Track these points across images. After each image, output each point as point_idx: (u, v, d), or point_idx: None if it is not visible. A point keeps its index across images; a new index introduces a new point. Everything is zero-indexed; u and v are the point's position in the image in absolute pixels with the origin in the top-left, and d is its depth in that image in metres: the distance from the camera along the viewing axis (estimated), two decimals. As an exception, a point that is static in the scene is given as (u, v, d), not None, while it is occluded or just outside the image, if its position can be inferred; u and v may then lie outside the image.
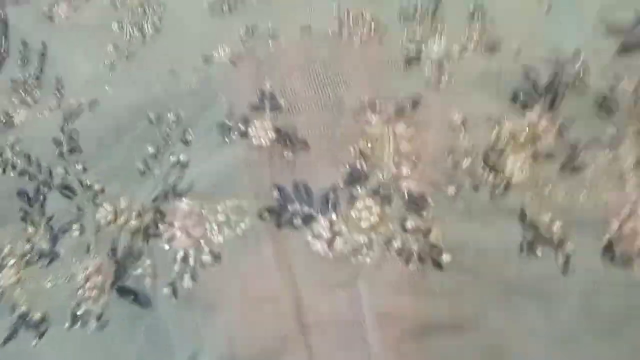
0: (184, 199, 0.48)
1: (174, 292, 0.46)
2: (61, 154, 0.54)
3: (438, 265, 0.44)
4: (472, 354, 0.43)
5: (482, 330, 0.43)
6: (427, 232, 0.45)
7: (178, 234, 0.47)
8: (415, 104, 0.48)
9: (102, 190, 0.52)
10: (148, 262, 0.48)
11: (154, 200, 0.50)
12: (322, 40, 0.53)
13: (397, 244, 0.44)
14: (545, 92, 0.47)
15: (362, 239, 0.45)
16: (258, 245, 0.46)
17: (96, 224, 0.51)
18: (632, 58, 0.47)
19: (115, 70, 0.59)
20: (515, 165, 0.46)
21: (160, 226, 0.48)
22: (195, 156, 0.50)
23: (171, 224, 0.48)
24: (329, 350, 0.43)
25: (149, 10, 0.64)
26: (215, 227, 0.47)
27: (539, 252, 0.43)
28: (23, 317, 0.50)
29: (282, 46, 0.53)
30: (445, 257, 0.44)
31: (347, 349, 0.43)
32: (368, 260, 0.44)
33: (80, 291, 0.49)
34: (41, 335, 0.49)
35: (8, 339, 0.50)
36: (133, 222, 0.49)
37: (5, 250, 0.53)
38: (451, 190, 0.46)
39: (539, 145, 0.46)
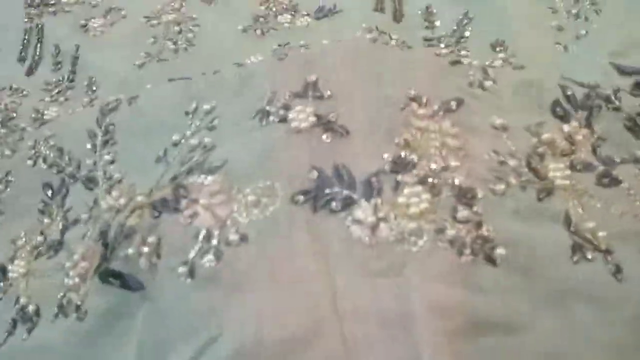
0: (210, 177, 0.44)
1: (191, 272, 0.40)
2: (94, 146, 0.52)
3: (491, 260, 0.39)
4: (527, 358, 0.37)
5: (537, 333, 0.38)
6: (478, 225, 0.41)
7: (202, 211, 0.43)
8: (459, 104, 0.47)
9: (120, 181, 0.48)
10: (151, 239, 0.42)
11: (173, 179, 0.45)
12: (363, 42, 0.53)
13: (449, 232, 0.40)
14: (581, 107, 0.48)
15: (410, 225, 0.40)
16: (289, 228, 0.41)
17: (99, 211, 0.47)
18: None
19: (145, 70, 0.60)
20: (557, 172, 0.44)
21: (183, 202, 0.43)
22: (224, 139, 0.47)
23: (195, 201, 0.43)
24: (368, 341, 0.36)
25: (184, 28, 0.67)
26: (244, 208, 0.42)
27: (589, 256, 0.40)
28: (22, 309, 0.45)
29: (327, 46, 0.52)
30: (499, 252, 0.40)
31: (389, 341, 0.36)
32: (415, 248, 0.40)
33: (66, 280, 0.44)
34: (31, 330, 0.44)
35: (9, 334, 0.45)
36: (139, 199, 0.44)
37: (20, 242, 0.50)
38: (500, 187, 0.43)
39: (575, 158, 0.45)
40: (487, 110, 0.47)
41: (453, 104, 0.47)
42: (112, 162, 0.50)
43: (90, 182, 0.50)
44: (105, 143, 0.51)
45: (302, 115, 0.46)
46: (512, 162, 0.44)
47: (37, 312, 0.45)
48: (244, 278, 0.39)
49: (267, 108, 0.47)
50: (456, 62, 0.51)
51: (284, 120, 0.46)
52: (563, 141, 0.46)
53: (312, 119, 0.46)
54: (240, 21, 0.66)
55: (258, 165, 0.44)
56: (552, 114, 0.48)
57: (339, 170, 0.43)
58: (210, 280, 0.40)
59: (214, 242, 0.41)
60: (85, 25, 0.69)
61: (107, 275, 0.43)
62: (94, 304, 0.43)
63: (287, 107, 0.47)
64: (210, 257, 0.40)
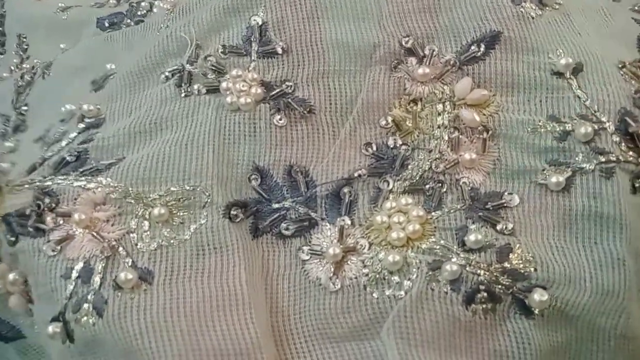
0: (94, 179, 0.30)
1: (68, 333, 0.27)
2: (4, 134, 0.40)
3: (525, 308, 0.26)
4: None
5: None
6: (504, 252, 0.27)
7: (78, 233, 0.29)
8: (493, 40, 0.30)
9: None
10: (12, 276, 0.30)
11: (30, 170, 0.32)
12: None
13: (450, 268, 0.26)
14: None
15: (391, 259, 0.27)
16: (221, 260, 0.28)
17: None
18: None
19: (69, 13, 0.46)
20: None
21: (49, 217, 0.29)
22: (116, 110, 0.33)
23: (66, 216, 0.29)
24: None
25: None
26: (147, 226, 0.29)
27: None
28: None
29: None
30: (538, 297, 0.26)
31: None
32: (402, 294, 0.26)
33: None
34: None
35: None
36: None
37: None
38: (557, 179, 0.28)
39: None
40: (546, 41, 0.31)
41: (480, 45, 0.30)
42: (12, 150, 0.38)
43: None
44: (16, 129, 0.40)
45: (241, 84, 0.31)
46: (582, 130, 0.28)
47: None
48: (147, 346, 0.26)
49: (189, 68, 0.33)
50: None
51: (213, 90, 0.32)
52: None
53: (258, 90, 0.31)
54: None
55: (171, 158, 0.30)
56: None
57: (294, 174, 0.30)
58: (92, 350, 0.27)
59: (95, 283, 0.27)
60: None
61: None
62: None
63: (219, 70, 0.32)
64: (89, 308, 0.27)
